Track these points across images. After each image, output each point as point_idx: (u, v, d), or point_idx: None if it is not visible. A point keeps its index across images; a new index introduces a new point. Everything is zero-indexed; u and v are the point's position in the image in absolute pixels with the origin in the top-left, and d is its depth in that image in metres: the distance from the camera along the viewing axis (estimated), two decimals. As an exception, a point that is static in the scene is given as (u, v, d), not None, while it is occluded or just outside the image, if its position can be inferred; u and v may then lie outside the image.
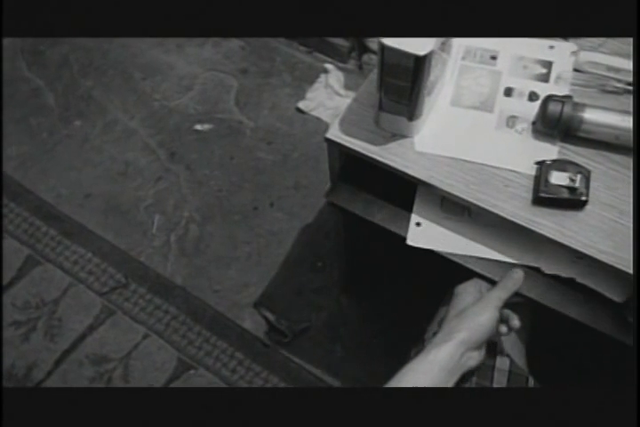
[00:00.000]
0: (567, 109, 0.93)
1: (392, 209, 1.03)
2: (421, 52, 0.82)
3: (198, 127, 1.94)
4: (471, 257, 0.98)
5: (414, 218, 1.02)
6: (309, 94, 1.95)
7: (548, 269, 0.96)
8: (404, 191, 1.01)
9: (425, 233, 1.01)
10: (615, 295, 0.95)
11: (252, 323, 1.61)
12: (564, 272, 0.96)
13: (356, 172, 1.04)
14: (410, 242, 0.99)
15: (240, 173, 1.84)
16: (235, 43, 2.09)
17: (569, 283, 0.96)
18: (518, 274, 0.88)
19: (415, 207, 1.02)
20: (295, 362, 1.55)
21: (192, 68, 2.06)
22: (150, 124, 1.96)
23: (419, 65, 0.83)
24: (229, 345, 1.59)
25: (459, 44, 1.06)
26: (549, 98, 0.95)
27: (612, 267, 0.88)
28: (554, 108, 0.94)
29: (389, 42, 0.82)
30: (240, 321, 1.62)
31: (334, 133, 0.98)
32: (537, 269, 0.97)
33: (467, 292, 0.89)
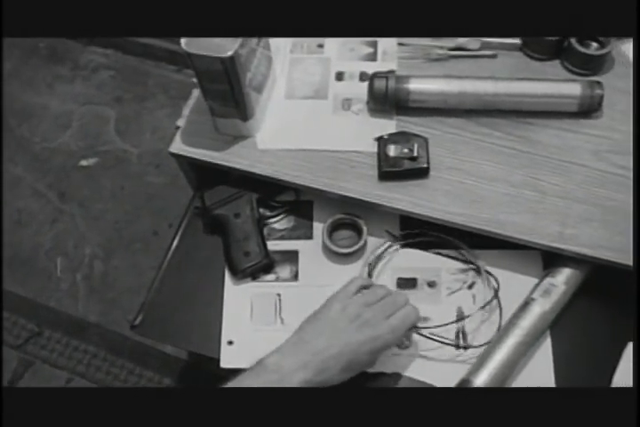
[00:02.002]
0: (391, 84, 0.95)
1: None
2: (226, 54, 0.82)
3: (84, 163, 1.92)
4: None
5: (225, 336, 0.95)
6: (186, 111, 1.94)
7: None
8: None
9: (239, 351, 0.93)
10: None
11: (173, 347, 1.60)
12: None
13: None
14: (224, 364, 0.93)
15: (133, 202, 1.83)
16: (104, 73, 2.08)
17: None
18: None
19: (224, 327, 0.95)
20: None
21: (66, 106, 2.04)
22: (35, 168, 1.94)
23: (229, 67, 0.84)
24: (155, 373, 1.58)
25: (285, 38, 1.07)
26: (374, 75, 0.97)
27: (462, 225, 0.90)
28: (379, 84, 0.96)
29: (192, 49, 0.82)
30: (161, 347, 1.61)
31: (177, 147, 0.99)
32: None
33: None
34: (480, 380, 0.86)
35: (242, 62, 0.85)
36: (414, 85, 0.96)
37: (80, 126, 1.98)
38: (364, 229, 0.95)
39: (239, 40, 0.82)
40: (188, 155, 0.98)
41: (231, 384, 0.77)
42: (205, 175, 1.01)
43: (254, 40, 0.89)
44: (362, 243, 0.95)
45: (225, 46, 0.82)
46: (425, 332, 0.90)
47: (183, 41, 0.82)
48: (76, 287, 1.71)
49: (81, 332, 1.65)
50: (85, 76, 2.07)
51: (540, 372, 0.90)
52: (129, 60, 2.09)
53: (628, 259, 0.87)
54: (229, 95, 0.89)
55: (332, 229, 0.98)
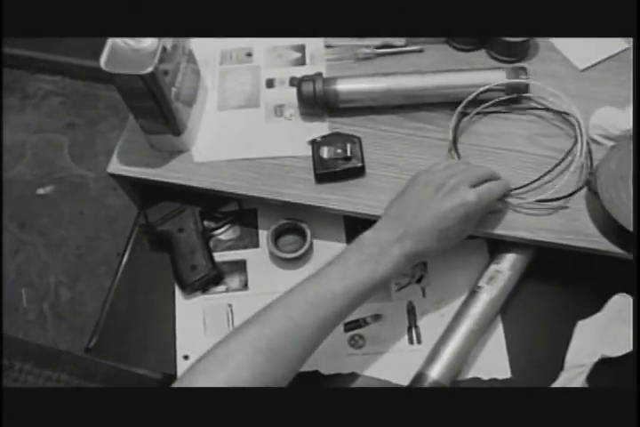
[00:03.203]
0: (319, 86, 0.96)
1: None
2: (145, 71, 0.82)
3: (41, 191, 1.92)
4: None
5: (180, 351, 0.95)
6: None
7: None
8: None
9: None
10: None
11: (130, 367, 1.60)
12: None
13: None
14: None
15: (94, 225, 1.83)
16: (54, 100, 2.07)
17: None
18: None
19: (178, 342, 0.96)
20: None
21: (19, 136, 2.03)
22: (-7, 200, 1.93)
23: (150, 83, 0.84)
24: (130, 395, 1.57)
25: (213, 49, 1.07)
26: (301, 80, 0.97)
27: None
28: (306, 88, 0.96)
29: (112, 67, 0.82)
30: (134, 368, 1.60)
31: (114, 167, 0.99)
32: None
33: None
34: (434, 372, 0.86)
35: (164, 78, 0.85)
36: (342, 86, 0.96)
37: (34, 155, 1.97)
38: (308, 232, 0.96)
39: (157, 56, 0.82)
40: (126, 174, 0.98)
41: (336, 260, 0.79)
42: (149, 193, 1.02)
43: (178, 54, 0.89)
44: (307, 246, 0.95)
45: (144, 63, 0.82)
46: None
47: (102, 60, 0.82)
48: (44, 317, 1.70)
49: (52, 361, 1.64)
50: (35, 104, 2.07)
51: (494, 358, 0.91)
52: (77, 85, 2.09)
53: (570, 239, 0.89)
54: (157, 112, 0.89)
55: (278, 236, 0.98)
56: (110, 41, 0.83)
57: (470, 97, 0.95)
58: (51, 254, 1.80)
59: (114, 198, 1.85)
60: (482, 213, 0.86)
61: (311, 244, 0.96)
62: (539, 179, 0.92)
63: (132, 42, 0.83)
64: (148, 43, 0.84)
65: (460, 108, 0.95)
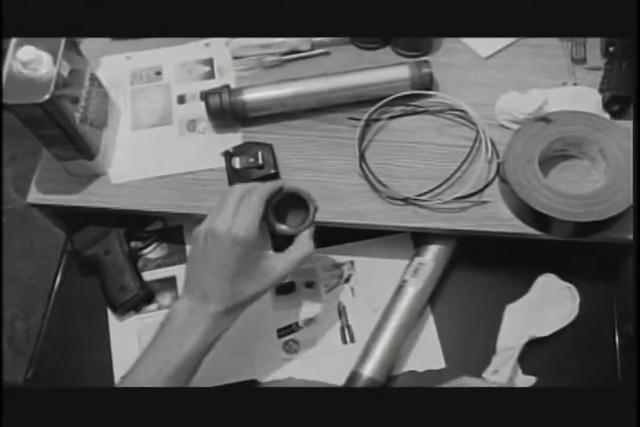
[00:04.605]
0: (225, 98, 0.96)
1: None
2: (42, 99, 0.82)
3: (-10, 226, 1.90)
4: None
5: (118, 373, 0.95)
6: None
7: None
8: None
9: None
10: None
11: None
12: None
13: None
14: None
15: (45, 255, 1.81)
16: (-6, 133, 2.05)
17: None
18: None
19: (115, 364, 0.96)
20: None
21: (-39, 173, 2.01)
22: (-59, 239, 1.91)
23: (49, 111, 0.84)
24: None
25: (123, 70, 1.08)
26: (207, 93, 0.98)
27: (322, 222, 0.91)
28: (213, 101, 0.97)
29: (9, 99, 0.82)
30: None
31: (34, 197, 0.99)
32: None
33: None
34: (368, 370, 0.87)
35: (65, 103, 0.85)
36: (249, 96, 0.97)
37: (-21, 190, 1.96)
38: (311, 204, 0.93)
39: (53, 83, 0.83)
40: (46, 202, 0.98)
41: (152, 339, 0.77)
42: (75, 218, 1.01)
43: (78, 79, 0.90)
44: (311, 217, 0.91)
45: (41, 91, 0.82)
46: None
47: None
48: (1, 352, 1.69)
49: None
50: (-26, 140, 2.05)
51: (427, 350, 0.92)
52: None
53: (488, 226, 0.90)
54: (65, 138, 0.90)
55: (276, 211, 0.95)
56: (5, 72, 0.83)
57: (374, 108, 0.97)
58: (4, 288, 1.78)
59: (62, 226, 1.84)
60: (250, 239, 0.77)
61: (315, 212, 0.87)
62: (441, 185, 0.93)
63: (26, 71, 0.83)
64: (44, 71, 0.84)
65: (363, 121, 0.97)
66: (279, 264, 0.80)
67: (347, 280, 0.96)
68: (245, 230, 0.76)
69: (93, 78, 0.96)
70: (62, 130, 0.88)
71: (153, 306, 0.98)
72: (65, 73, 0.86)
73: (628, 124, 0.94)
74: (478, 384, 0.78)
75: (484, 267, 0.95)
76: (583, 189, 0.88)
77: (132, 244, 1.01)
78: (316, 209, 0.85)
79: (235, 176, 0.94)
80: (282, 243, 0.86)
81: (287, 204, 0.87)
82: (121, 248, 0.98)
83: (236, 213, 0.77)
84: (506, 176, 0.88)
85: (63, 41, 0.86)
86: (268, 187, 0.82)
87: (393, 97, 0.96)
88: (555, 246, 0.90)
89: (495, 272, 0.95)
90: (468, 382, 0.78)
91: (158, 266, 1.01)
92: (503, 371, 0.87)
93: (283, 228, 0.86)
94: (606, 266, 0.94)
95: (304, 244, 0.83)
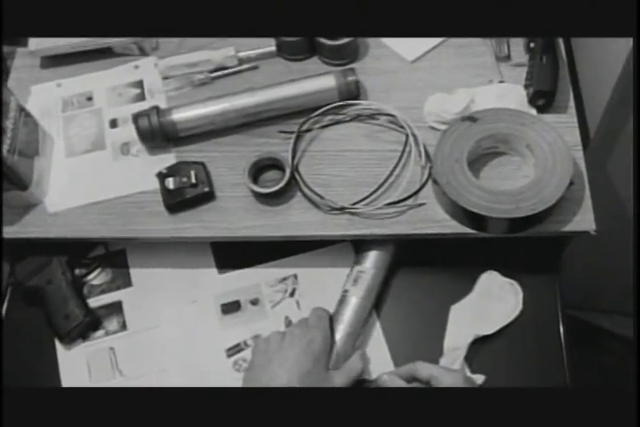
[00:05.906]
0: (154, 120, 0.96)
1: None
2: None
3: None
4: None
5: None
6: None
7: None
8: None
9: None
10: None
11: None
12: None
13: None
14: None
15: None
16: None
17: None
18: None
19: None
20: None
21: None
22: None
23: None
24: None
25: (54, 98, 1.08)
26: (136, 116, 0.98)
27: (260, 237, 0.91)
28: (142, 123, 0.97)
29: None
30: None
31: (-33, 234, 0.97)
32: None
33: None
34: (317, 380, 0.86)
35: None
36: (177, 115, 0.97)
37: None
38: (286, 166, 0.95)
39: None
40: (-17, 238, 0.97)
41: None
42: (18, 248, 1.01)
43: (6, 109, 0.89)
44: (287, 178, 0.94)
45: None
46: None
47: None
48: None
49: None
50: None
51: (376, 356, 0.92)
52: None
53: (423, 228, 0.91)
54: (-9, 170, 0.89)
55: (254, 175, 0.97)
56: None
57: (303, 120, 0.99)
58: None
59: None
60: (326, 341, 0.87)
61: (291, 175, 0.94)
62: (375, 191, 0.94)
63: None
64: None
65: (296, 133, 0.97)
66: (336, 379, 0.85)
67: (291, 294, 0.96)
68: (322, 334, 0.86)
69: (20, 109, 0.95)
70: (-15, 162, 0.87)
71: (100, 332, 0.98)
72: (-15, 107, 0.85)
73: (553, 118, 0.94)
74: (430, 370, 0.82)
75: (426, 269, 0.96)
76: (516, 185, 0.89)
77: (77, 271, 1.00)
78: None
79: (168, 197, 0.94)
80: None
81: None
82: (64, 276, 0.98)
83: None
84: (436, 177, 0.88)
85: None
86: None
87: (322, 110, 0.97)
88: (494, 244, 0.91)
89: (438, 273, 0.95)
90: (420, 367, 0.83)
91: (103, 291, 1.01)
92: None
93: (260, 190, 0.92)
94: (547, 259, 0.94)
95: (355, 363, 0.88)
